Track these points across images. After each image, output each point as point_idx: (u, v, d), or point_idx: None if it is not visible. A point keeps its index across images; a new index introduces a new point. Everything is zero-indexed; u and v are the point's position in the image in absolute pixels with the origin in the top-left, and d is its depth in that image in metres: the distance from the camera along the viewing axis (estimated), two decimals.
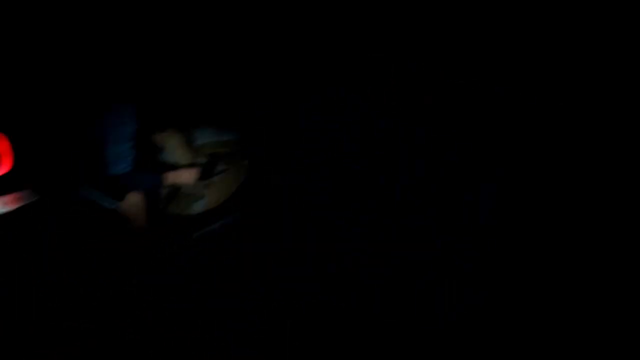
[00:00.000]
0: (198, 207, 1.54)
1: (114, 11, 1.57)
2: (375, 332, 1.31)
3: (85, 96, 1.45)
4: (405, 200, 1.62)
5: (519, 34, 1.78)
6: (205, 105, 1.71)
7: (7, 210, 1.31)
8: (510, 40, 1.79)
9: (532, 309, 1.34)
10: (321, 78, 1.82)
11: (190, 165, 1.53)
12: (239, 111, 1.76)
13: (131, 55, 1.56)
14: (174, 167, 1.51)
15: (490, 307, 1.35)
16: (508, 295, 1.38)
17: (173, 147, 1.52)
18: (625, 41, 1.64)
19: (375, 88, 1.85)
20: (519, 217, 1.55)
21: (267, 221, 1.58)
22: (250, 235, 1.53)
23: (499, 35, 1.80)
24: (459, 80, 1.81)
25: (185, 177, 1.50)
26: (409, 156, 1.74)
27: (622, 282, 1.36)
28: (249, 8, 1.74)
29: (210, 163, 1.57)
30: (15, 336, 1.22)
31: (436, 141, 1.75)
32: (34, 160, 1.38)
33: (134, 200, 1.44)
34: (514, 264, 1.44)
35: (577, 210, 1.53)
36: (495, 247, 1.47)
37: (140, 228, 1.47)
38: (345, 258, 1.47)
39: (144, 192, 1.46)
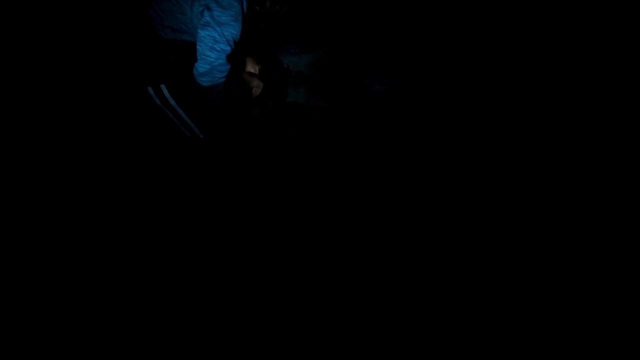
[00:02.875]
0: None
1: None
2: (375, 332, 1.31)
3: None
4: (403, 199, 1.63)
5: (518, 34, 1.80)
6: None
7: None
8: (510, 40, 1.81)
9: (531, 309, 1.34)
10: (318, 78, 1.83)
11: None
12: None
13: None
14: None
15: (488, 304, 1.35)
16: (507, 294, 1.38)
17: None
18: (625, 41, 1.65)
19: (375, 88, 1.86)
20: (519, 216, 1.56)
21: (268, 218, 1.58)
22: (251, 233, 1.53)
23: (498, 35, 1.82)
24: (457, 79, 1.82)
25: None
26: (408, 156, 1.74)
27: (622, 281, 1.37)
28: None
29: None
30: (16, 336, 1.22)
31: (436, 141, 1.76)
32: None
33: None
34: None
35: (577, 209, 1.54)
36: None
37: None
38: (345, 257, 1.47)
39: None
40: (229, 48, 1.23)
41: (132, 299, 1.34)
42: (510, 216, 1.56)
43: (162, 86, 1.35)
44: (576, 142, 1.65)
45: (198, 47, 1.22)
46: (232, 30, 1.20)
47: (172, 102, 1.38)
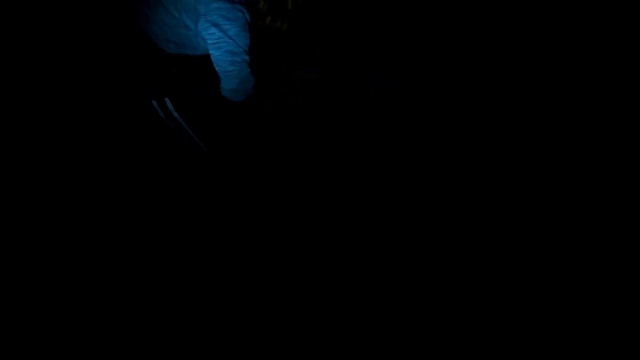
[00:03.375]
0: None
1: None
2: (375, 332, 1.31)
3: None
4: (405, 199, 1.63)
5: (517, 34, 1.79)
6: None
7: None
8: (505, 39, 1.80)
9: (531, 309, 1.36)
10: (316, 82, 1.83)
11: None
12: None
13: None
14: None
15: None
16: (506, 292, 1.39)
17: None
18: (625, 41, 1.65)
19: (373, 87, 1.85)
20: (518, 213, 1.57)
21: (267, 216, 1.58)
22: (252, 232, 1.53)
23: (493, 34, 1.81)
24: (454, 78, 1.82)
25: None
26: (406, 154, 1.74)
27: (622, 281, 1.38)
28: None
29: None
30: (16, 336, 1.22)
31: (434, 138, 1.76)
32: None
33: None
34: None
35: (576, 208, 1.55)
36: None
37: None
38: (344, 256, 1.48)
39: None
40: (247, 57, 1.21)
41: (133, 300, 1.34)
42: (510, 215, 1.57)
43: (167, 100, 1.35)
44: (575, 142, 1.65)
45: (217, 68, 1.20)
46: (245, 40, 1.19)
47: (176, 115, 1.38)
